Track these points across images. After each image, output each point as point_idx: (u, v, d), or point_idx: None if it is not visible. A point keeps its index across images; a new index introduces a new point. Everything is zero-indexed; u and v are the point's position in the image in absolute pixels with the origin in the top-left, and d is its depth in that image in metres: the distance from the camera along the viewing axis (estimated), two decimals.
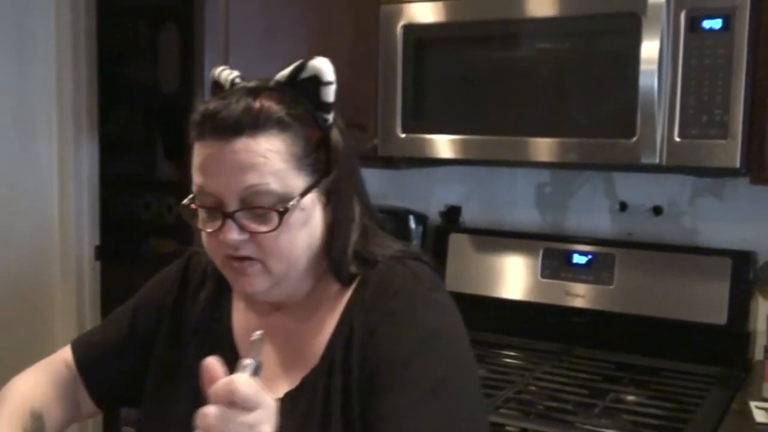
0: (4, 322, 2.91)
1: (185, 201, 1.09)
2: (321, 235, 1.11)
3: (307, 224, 1.08)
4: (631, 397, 1.89)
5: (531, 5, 1.91)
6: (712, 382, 1.98)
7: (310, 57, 1.08)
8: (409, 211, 2.46)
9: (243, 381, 0.88)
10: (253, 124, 1.03)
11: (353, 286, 1.13)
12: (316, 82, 1.07)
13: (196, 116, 1.07)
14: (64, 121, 3.16)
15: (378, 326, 1.08)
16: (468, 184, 2.47)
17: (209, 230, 1.07)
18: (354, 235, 1.13)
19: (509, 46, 1.98)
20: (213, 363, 0.90)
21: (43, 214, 3.16)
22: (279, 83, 1.08)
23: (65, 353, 1.30)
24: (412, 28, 2.04)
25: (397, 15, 2.05)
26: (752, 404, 1.79)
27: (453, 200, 2.50)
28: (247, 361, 0.92)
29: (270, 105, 1.05)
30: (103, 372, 1.27)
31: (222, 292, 1.22)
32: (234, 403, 0.86)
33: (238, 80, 1.11)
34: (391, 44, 2.06)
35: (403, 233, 2.43)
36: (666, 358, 2.10)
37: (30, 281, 3.13)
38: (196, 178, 1.07)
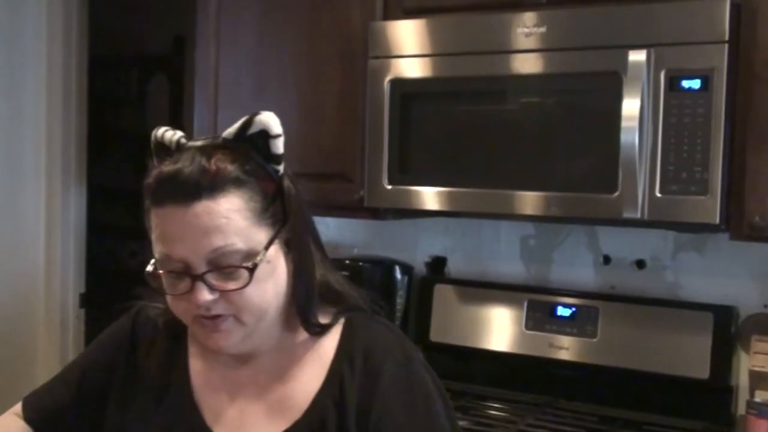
0: None
1: (149, 268, 1.08)
2: (286, 282, 1.12)
3: (274, 275, 1.09)
4: None
5: (516, 62, 1.95)
6: None
7: (256, 113, 1.09)
8: (395, 262, 2.47)
9: None
10: (211, 186, 1.03)
11: (336, 341, 1.15)
12: (265, 135, 1.08)
13: (150, 181, 1.06)
14: (53, 168, 3.17)
15: (375, 393, 1.09)
16: (453, 235, 2.49)
17: (178, 293, 1.07)
18: (317, 279, 1.14)
19: (494, 101, 2.02)
20: None
21: (28, 260, 3.15)
22: (227, 140, 1.09)
23: (17, 410, 1.29)
24: (399, 83, 2.08)
25: (385, 69, 2.09)
26: None
27: (438, 251, 2.51)
28: None
29: (225, 165, 1.05)
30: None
31: (176, 346, 1.21)
32: None
33: (183, 140, 1.10)
34: (378, 98, 2.10)
35: (389, 283, 2.44)
36: (649, 411, 2.10)
37: (14, 327, 3.10)
38: (160, 246, 1.06)
